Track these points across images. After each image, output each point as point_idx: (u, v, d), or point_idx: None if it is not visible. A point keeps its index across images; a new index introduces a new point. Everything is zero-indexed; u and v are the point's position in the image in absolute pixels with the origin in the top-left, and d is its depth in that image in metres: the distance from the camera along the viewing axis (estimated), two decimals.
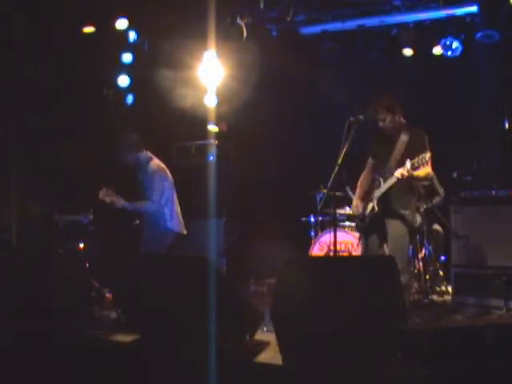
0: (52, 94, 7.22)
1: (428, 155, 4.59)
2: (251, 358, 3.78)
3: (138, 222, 5.73)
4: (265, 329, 4.34)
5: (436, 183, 6.30)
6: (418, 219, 5.13)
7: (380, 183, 4.88)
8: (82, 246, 6.53)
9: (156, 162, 5.56)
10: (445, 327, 3.57)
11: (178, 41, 7.03)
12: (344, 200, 6.58)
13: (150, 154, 5.60)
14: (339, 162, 4.49)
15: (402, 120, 4.95)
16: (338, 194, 5.36)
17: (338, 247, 5.46)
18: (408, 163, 4.55)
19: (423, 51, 6.98)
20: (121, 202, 5.31)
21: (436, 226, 6.37)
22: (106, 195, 5.31)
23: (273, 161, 7.55)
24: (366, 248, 5.04)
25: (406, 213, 4.81)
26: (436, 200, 6.24)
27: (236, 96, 7.06)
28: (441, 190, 6.28)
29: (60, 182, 7.24)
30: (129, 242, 6.02)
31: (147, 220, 5.56)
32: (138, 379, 3.90)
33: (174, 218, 5.51)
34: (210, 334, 3.80)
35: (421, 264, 5.99)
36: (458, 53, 6.67)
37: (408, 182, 4.77)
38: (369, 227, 4.98)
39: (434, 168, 6.28)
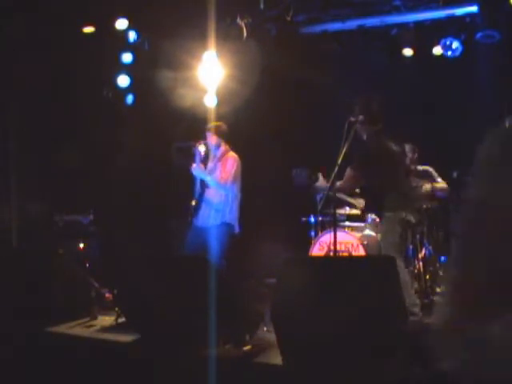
0: (52, 94, 7.22)
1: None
2: (251, 358, 3.78)
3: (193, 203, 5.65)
4: (265, 329, 4.34)
5: (435, 176, 6.32)
6: (411, 218, 5.09)
7: None
8: (81, 246, 6.53)
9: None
10: None
11: (178, 41, 7.03)
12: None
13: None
14: (339, 161, 4.49)
15: (374, 127, 4.93)
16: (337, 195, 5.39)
17: (338, 247, 5.45)
18: None
19: (423, 51, 6.98)
20: (200, 168, 5.47)
21: (436, 229, 6.37)
22: (183, 154, 5.51)
23: (273, 161, 7.54)
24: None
25: (389, 215, 4.87)
26: (438, 190, 6.21)
27: (236, 96, 7.05)
28: (443, 184, 6.28)
29: (60, 182, 7.24)
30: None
31: (217, 211, 5.55)
32: (137, 379, 3.90)
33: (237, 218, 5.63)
34: (210, 334, 3.80)
35: (421, 264, 5.99)
36: (457, 53, 6.67)
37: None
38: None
39: (432, 164, 6.37)
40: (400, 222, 4.85)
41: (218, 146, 5.71)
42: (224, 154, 5.69)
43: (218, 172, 5.58)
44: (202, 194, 5.59)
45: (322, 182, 4.97)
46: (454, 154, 6.83)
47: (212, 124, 5.79)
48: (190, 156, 5.86)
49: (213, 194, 5.56)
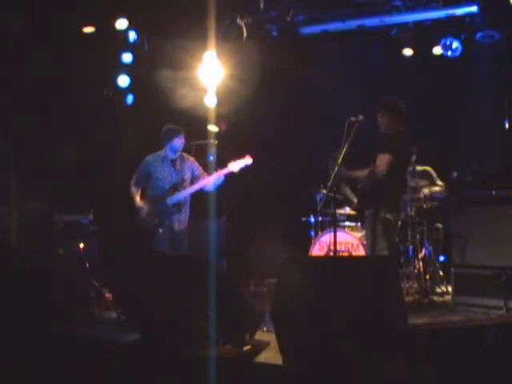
0: (52, 94, 7.22)
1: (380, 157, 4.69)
2: (251, 358, 3.78)
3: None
4: (265, 329, 4.34)
5: (434, 177, 6.33)
6: (391, 217, 5.00)
7: None
8: (81, 246, 6.53)
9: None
10: (445, 327, 3.57)
11: (178, 41, 7.02)
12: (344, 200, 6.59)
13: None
14: (339, 162, 4.49)
15: (398, 127, 4.93)
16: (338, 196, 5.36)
17: (338, 247, 5.45)
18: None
19: (423, 51, 6.98)
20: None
21: (437, 224, 6.37)
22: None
23: (273, 161, 7.55)
24: None
25: (367, 213, 4.91)
26: (437, 192, 6.22)
27: (236, 96, 7.06)
28: (440, 183, 6.30)
29: (60, 182, 7.24)
30: None
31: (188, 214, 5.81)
32: (137, 379, 3.90)
33: None
34: (210, 334, 3.80)
35: (421, 264, 5.99)
36: (457, 53, 6.67)
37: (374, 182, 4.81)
38: None
39: (432, 164, 6.38)
40: (380, 221, 4.82)
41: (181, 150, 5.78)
42: (184, 157, 5.81)
43: (198, 172, 5.77)
44: (179, 199, 5.67)
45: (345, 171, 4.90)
46: (454, 154, 6.84)
47: (180, 128, 5.79)
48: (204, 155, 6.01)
49: (187, 198, 5.73)
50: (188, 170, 5.74)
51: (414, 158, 6.22)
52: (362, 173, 4.88)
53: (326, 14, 7.01)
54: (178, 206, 5.64)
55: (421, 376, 3.13)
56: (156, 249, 5.62)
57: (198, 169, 5.80)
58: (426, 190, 6.12)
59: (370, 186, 4.85)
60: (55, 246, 6.26)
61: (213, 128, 6.84)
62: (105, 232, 7.02)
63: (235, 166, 5.52)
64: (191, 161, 5.81)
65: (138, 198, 5.74)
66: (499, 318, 4.75)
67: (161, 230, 5.58)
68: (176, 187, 5.65)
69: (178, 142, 5.69)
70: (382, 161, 4.72)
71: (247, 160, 5.55)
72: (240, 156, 5.57)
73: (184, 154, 5.80)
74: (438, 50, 6.81)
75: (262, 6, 6.85)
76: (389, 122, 4.96)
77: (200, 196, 5.90)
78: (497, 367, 3.08)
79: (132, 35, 7.46)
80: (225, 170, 5.55)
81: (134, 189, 5.77)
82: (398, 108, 4.97)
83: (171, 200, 5.62)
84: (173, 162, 5.74)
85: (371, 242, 4.92)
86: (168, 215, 5.61)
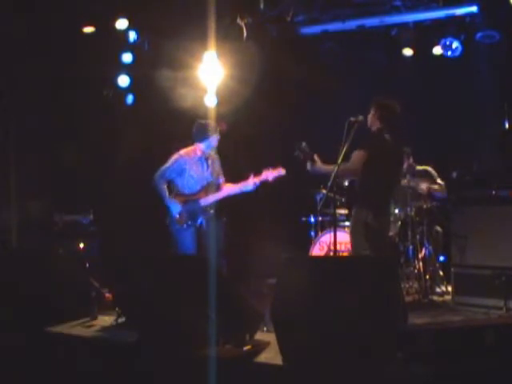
0: (52, 94, 7.22)
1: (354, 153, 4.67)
2: (251, 358, 3.78)
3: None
4: (265, 329, 4.33)
5: (435, 176, 6.32)
6: (373, 221, 4.84)
7: None
8: (81, 246, 6.54)
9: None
10: (445, 327, 3.57)
11: (178, 41, 7.03)
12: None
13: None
14: (339, 161, 4.49)
15: (381, 124, 4.86)
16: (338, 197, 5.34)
17: (338, 247, 5.44)
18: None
19: (423, 51, 6.98)
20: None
21: (436, 227, 6.37)
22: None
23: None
24: None
25: (355, 210, 4.83)
26: (436, 191, 6.18)
27: (236, 96, 7.06)
28: (441, 183, 6.27)
29: (60, 182, 7.24)
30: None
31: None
32: (138, 379, 3.90)
33: None
34: (210, 334, 3.80)
35: (421, 264, 5.99)
36: (457, 53, 6.67)
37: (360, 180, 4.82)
38: None
39: (432, 164, 6.37)
40: (361, 223, 4.72)
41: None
42: (214, 155, 5.70)
43: (220, 172, 5.69)
44: (213, 201, 5.63)
45: (320, 165, 4.82)
46: (454, 154, 6.84)
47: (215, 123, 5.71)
48: None
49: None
50: (215, 169, 5.65)
51: (411, 159, 6.21)
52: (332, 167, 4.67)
53: (326, 14, 7.02)
54: (210, 208, 5.54)
55: (421, 376, 3.13)
56: (179, 248, 5.51)
57: (220, 168, 5.71)
58: (423, 186, 6.02)
59: (358, 184, 4.86)
60: (55, 246, 6.26)
61: None
62: (105, 232, 7.02)
63: (270, 174, 5.47)
64: (217, 158, 5.71)
65: (168, 195, 5.54)
66: (499, 318, 4.75)
67: (192, 231, 5.50)
68: (209, 188, 5.53)
69: (215, 139, 5.58)
70: (354, 157, 4.69)
71: (281, 170, 5.53)
72: (274, 167, 5.57)
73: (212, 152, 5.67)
74: (437, 50, 6.82)
75: (261, 5, 6.87)
76: (373, 119, 4.93)
77: None
78: (497, 367, 3.08)
79: (132, 35, 7.47)
80: (261, 177, 5.47)
81: (163, 184, 5.51)
82: (384, 106, 4.93)
83: (205, 201, 5.51)
84: (206, 160, 5.59)
85: (352, 241, 4.87)
86: (200, 216, 5.51)
